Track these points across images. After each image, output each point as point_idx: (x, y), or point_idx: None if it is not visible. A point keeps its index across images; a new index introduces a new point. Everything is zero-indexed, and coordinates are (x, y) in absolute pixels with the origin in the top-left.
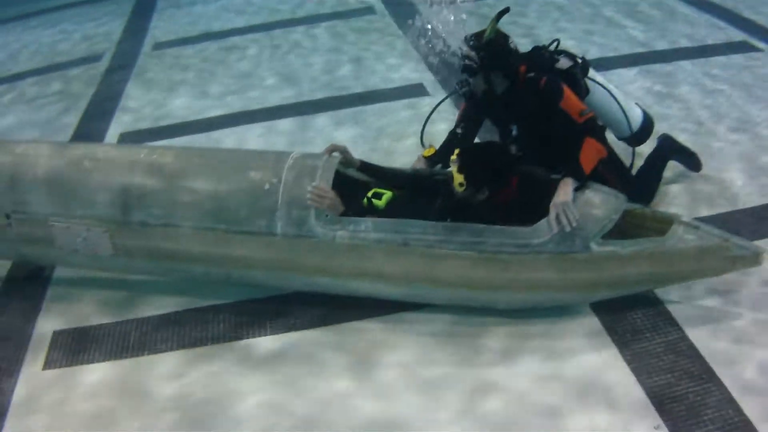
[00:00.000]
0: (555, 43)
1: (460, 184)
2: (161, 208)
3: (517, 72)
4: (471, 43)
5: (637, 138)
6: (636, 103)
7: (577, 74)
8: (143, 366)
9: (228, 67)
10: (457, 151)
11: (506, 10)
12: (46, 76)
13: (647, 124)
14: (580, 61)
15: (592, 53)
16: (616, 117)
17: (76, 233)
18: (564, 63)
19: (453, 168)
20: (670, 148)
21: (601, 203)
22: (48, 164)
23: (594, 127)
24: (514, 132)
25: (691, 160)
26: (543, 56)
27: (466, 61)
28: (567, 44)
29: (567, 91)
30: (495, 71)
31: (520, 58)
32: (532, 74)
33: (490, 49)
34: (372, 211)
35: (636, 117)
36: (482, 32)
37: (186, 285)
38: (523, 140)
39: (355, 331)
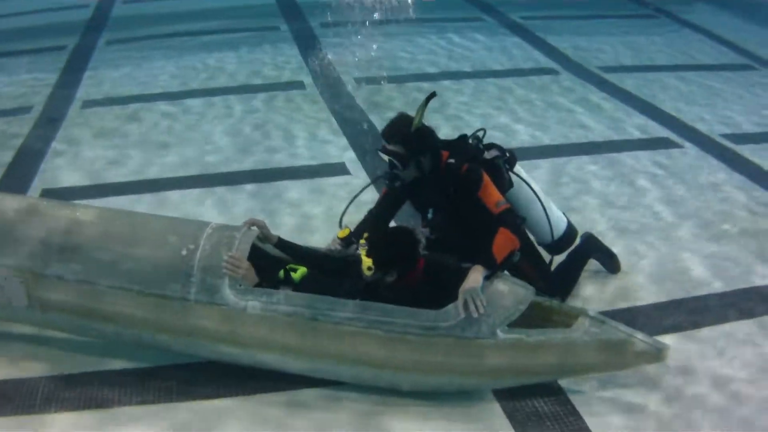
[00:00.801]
0: (481, 132)
1: (369, 268)
2: (79, 264)
3: (439, 157)
4: (395, 135)
5: (556, 246)
6: (563, 213)
7: (499, 166)
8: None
9: (152, 132)
10: (365, 235)
11: (433, 95)
12: None
13: (569, 232)
14: (507, 154)
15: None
16: (538, 217)
17: None
18: (490, 153)
19: (362, 252)
20: (592, 247)
21: (510, 293)
22: None
23: (509, 218)
24: (430, 215)
25: (611, 262)
26: (468, 144)
27: (393, 157)
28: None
29: (486, 181)
30: (424, 156)
31: (443, 144)
32: (452, 161)
33: (419, 135)
34: (287, 283)
35: (559, 223)
36: (402, 122)
37: (98, 345)
38: (439, 225)
39: (259, 403)
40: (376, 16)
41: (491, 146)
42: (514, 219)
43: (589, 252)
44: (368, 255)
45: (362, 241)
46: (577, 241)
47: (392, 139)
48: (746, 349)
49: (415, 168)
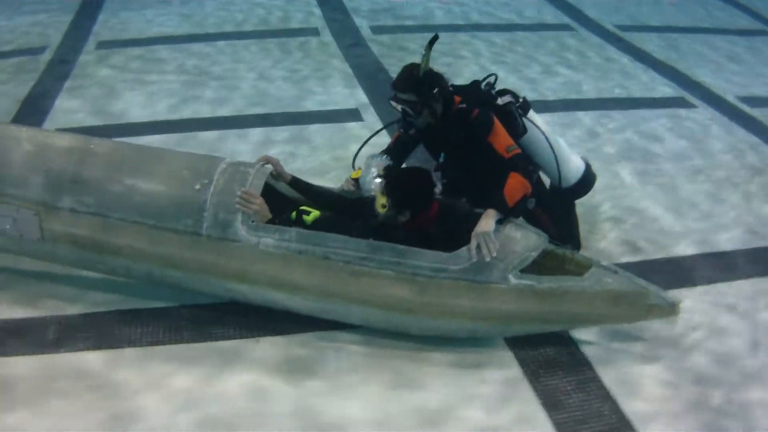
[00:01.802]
0: (493, 77)
1: (383, 206)
2: (92, 197)
3: (451, 103)
4: (406, 84)
5: (575, 190)
6: (582, 157)
7: (513, 112)
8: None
9: (170, 74)
10: (381, 172)
11: (435, 38)
12: None
13: (587, 177)
14: (521, 99)
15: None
16: (551, 165)
17: (6, 213)
18: (503, 99)
19: (377, 189)
20: (585, 182)
21: (522, 238)
22: None
23: (519, 162)
24: (441, 159)
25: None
26: (480, 90)
27: (405, 105)
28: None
29: (497, 126)
30: (436, 102)
31: (455, 89)
32: (464, 105)
33: (428, 81)
34: (299, 225)
35: (575, 168)
36: (411, 70)
37: (109, 284)
38: (450, 169)
39: (270, 344)
40: None
41: (504, 92)
42: (525, 163)
43: (584, 190)
44: (384, 192)
45: (378, 178)
46: None
47: (403, 87)
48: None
49: (428, 114)
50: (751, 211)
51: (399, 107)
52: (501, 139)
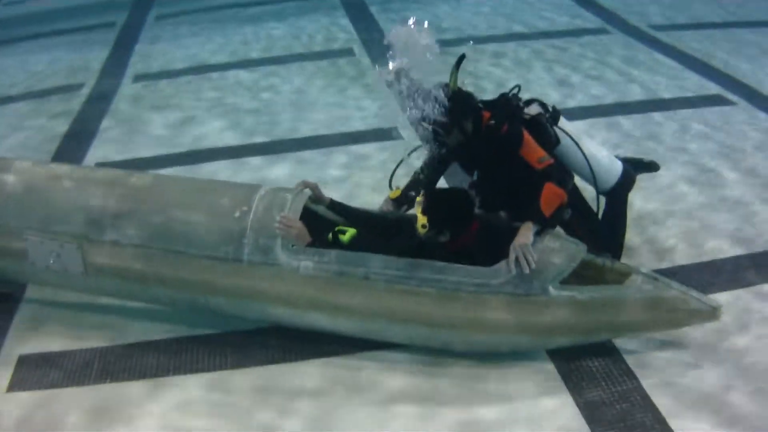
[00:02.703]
0: (516, 89)
1: (423, 226)
2: (133, 229)
3: (480, 120)
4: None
5: (616, 193)
6: (620, 157)
7: (543, 123)
8: (108, 392)
9: (203, 103)
10: (422, 192)
11: (463, 57)
12: (27, 102)
13: (626, 179)
14: (550, 109)
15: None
16: (587, 171)
17: (50, 248)
18: (531, 111)
19: (417, 209)
20: (626, 183)
21: (561, 248)
22: (29, 179)
23: (552, 172)
24: (475, 177)
25: (649, 167)
26: (508, 103)
27: (435, 125)
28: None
29: (527, 138)
30: (465, 121)
31: (484, 104)
32: (493, 122)
33: (458, 100)
34: (336, 246)
35: (611, 172)
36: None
37: (151, 313)
38: (485, 185)
39: (315, 367)
40: None
41: (531, 102)
42: (559, 173)
43: (624, 189)
44: (423, 213)
45: (419, 199)
46: None
47: (433, 107)
48: None
49: (458, 133)
50: None
51: (429, 127)
52: (532, 150)
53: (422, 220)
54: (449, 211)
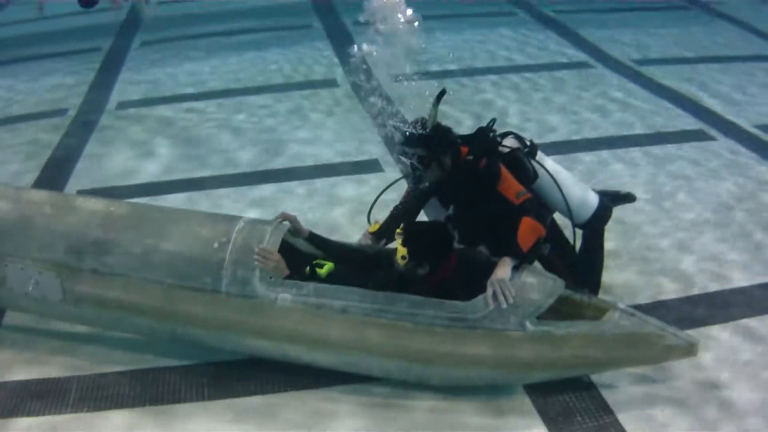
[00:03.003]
0: (492, 123)
1: (403, 257)
2: (113, 258)
3: (459, 154)
4: (412, 136)
5: (591, 225)
6: (597, 190)
7: (521, 157)
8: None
9: (186, 132)
10: (402, 225)
11: (443, 92)
12: (10, 127)
13: (602, 212)
14: (527, 143)
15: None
16: (571, 202)
17: (29, 275)
18: (508, 145)
19: (397, 241)
20: (600, 217)
21: (539, 284)
22: (10, 204)
23: (530, 207)
24: (450, 212)
25: (626, 198)
26: (486, 138)
27: (414, 159)
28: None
29: (504, 174)
30: (444, 155)
31: (462, 139)
32: (471, 157)
33: (438, 135)
34: (313, 280)
35: (586, 204)
36: (420, 124)
37: (129, 343)
38: (462, 219)
39: (293, 399)
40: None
41: (506, 134)
42: (537, 207)
43: (600, 222)
44: (404, 245)
45: (398, 231)
46: None
47: (412, 141)
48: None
49: (436, 168)
50: None
51: (408, 161)
52: (510, 185)
53: (402, 251)
54: (429, 243)
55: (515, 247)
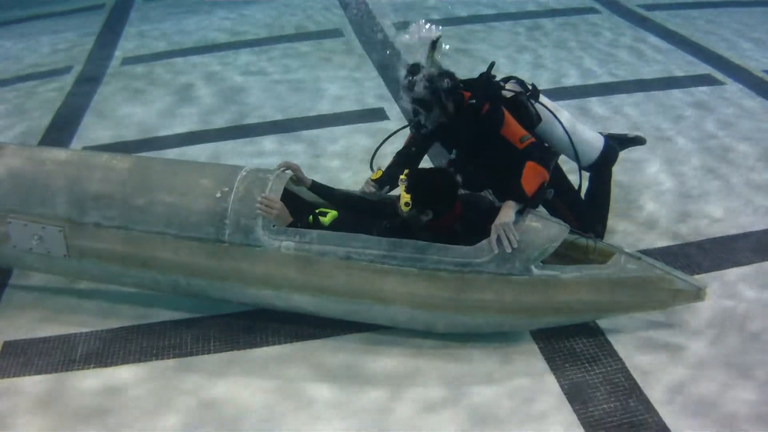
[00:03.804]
0: (491, 66)
1: (406, 204)
2: (115, 210)
3: (461, 99)
4: (414, 81)
5: (599, 166)
6: (603, 133)
7: (524, 101)
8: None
9: (192, 86)
10: (406, 171)
11: (438, 38)
12: (14, 86)
13: (608, 153)
14: (530, 87)
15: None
16: (577, 143)
17: (32, 231)
18: (510, 86)
19: (401, 187)
20: (609, 156)
21: (543, 228)
22: (11, 162)
23: (534, 151)
24: (453, 155)
25: (635, 141)
26: (488, 83)
27: (416, 104)
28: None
29: (508, 118)
30: (446, 100)
31: (465, 84)
32: (473, 101)
33: (438, 80)
34: (317, 228)
35: (593, 146)
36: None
37: (133, 298)
38: (464, 164)
39: (300, 351)
40: None
41: (508, 79)
42: (540, 151)
43: (607, 163)
44: (407, 191)
45: (402, 177)
46: None
47: (414, 86)
48: None
49: (439, 112)
50: None
51: (410, 106)
52: (513, 130)
53: (405, 198)
54: (433, 189)
55: (519, 191)
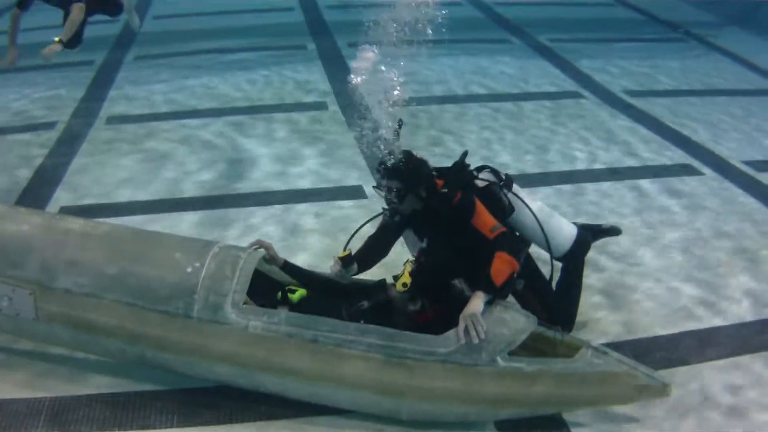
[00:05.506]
0: (464, 155)
1: (404, 285)
2: (87, 278)
3: (434, 188)
4: (388, 168)
5: (566, 259)
6: (578, 224)
7: (496, 191)
8: None
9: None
10: (417, 256)
11: (400, 123)
12: None
13: (580, 243)
14: (503, 177)
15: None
16: (550, 234)
17: (2, 292)
18: (483, 175)
19: (405, 268)
20: (581, 248)
21: (511, 320)
22: None
23: (504, 241)
24: (424, 244)
25: (610, 231)
26: (462, 171)
27: (389, 192)
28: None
29: (479, 208)
30: (419, 188)
31: (438, 172)
32: (446, 190)
33: (413, 168)
34: (285, 305)
35: (566, 237)
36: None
37: (100, 366)
38: (435, 253)
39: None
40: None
41: (482, 168)
42: (511, 242)
43: (578, 254)
44: (411, 275)
45: (412, 259)
46: None
47: (387, 173)
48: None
49: (412, 200)
50: None
51: (383, 193)
52: (484, 219)
53: (406, 279)
54: (436, 284)
55: (488, 282)
